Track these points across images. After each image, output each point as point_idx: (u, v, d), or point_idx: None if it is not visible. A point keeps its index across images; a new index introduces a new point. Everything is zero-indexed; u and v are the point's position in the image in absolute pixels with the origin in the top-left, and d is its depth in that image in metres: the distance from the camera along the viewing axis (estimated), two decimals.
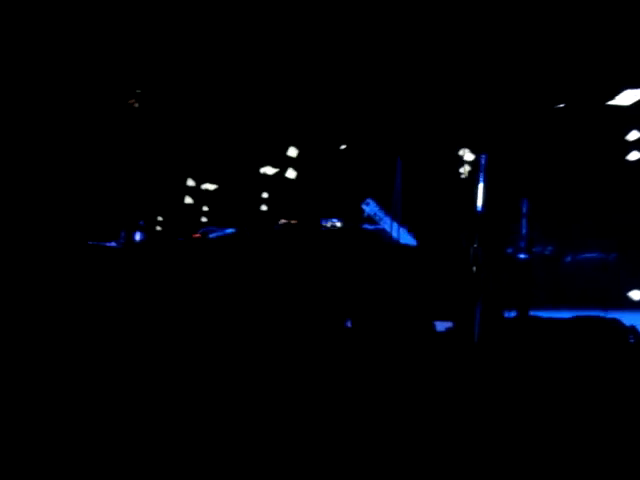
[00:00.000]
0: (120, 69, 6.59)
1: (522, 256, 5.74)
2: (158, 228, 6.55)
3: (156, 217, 6.60)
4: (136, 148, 6.66)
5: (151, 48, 6.43)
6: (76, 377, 4.89)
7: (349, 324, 5.98)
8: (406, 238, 6.10)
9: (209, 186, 6.45)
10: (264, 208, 6.39)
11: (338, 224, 6.22)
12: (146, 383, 4.77)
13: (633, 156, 5.65)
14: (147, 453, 3.23)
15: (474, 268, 5.76)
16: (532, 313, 5.70)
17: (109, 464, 3.11)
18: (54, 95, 6.52)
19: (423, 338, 5.81)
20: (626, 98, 5.56)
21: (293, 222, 6.35)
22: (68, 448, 3.26)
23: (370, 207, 6.17)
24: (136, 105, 6.37)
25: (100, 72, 6.54)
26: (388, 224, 6.12)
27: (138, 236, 6.53)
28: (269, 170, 6.29)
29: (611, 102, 5.56)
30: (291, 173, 6.36)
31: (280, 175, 6.43)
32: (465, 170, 5.58)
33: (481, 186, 5.77)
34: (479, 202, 5.77)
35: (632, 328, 5.35)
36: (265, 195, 6.41)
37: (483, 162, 5.49)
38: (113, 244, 6.47)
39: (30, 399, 4.07)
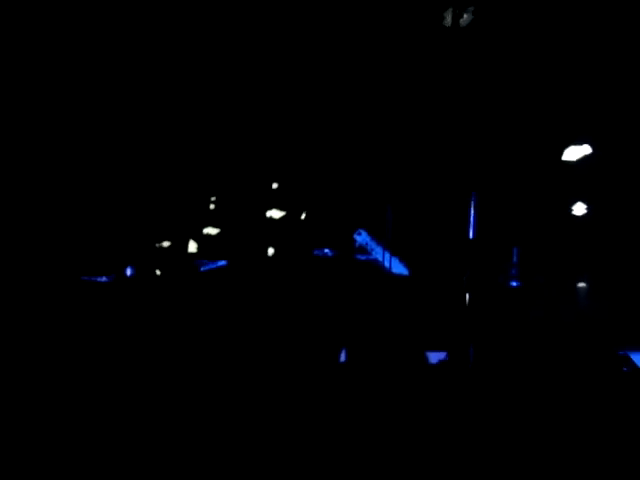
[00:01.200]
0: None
1: (514, 284, 5.74)
2: (150, 262, 6.52)
3: (148, 251, 6.57)
4: (128, 183, 6.65)
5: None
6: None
7: (343, 357, 5.97)
8: (398, 268, 6.09)
9: (209, 230, 6.44)
10: (256, 238, 6.37)
11: (330, 254, 6.20)
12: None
13: None
14: None
15: (467, 297, 5.76)
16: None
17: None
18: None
19: (416, 370, 5.80)
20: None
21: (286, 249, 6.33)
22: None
23: (362, 237, 6.16)
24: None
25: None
26: (380, 254, 6.11)
27: (129, 271, 6.50)
28: (276, 213, 6.30)
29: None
30: (276, 213, 6.36)
31: (272, 205, 6.42)
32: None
33: (472, 215, 5.78)
34: (471, 231, 5.77)
35: (625, 357, 5.34)
36: (257, 224, 6.40)
37: (473, 200, 5.52)
38: (104, 279, 6.44)
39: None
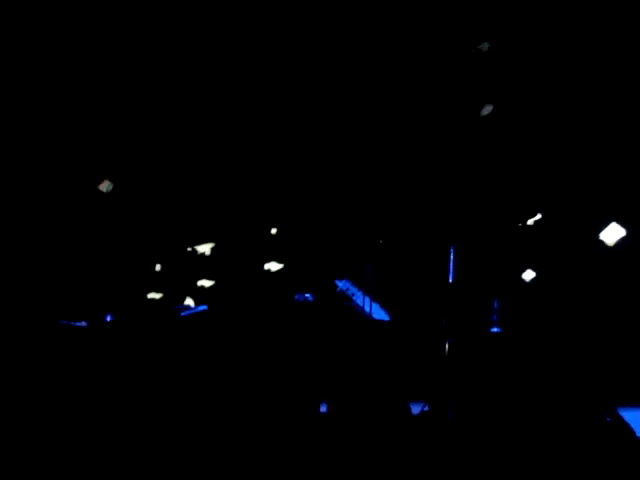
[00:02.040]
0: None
1: (495, 330, 5.69)
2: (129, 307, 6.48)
3: (128, 296, 6.53)
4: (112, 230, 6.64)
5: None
6: None
7: (324, 408, 5.88)
8: (379, 313, 6.05)
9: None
10: (237, 283, 6.34)
11: (311, 299, 6.16)
12: None
13: None
14: None
15: (446, 344, 5.70)
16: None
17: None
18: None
19: (399, 422, 5.71)
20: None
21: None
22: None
23: (343, 282, 6.13)
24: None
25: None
26: (361, 299, 6.07)
27: (109, 317, 6.46)
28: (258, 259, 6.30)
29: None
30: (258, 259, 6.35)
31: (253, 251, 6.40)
32: None
33: (452, 263, 5.77)
34: (450, 277, 5.75)
35: (609, 407, 5.26)
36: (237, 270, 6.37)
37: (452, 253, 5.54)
38: (83, 324, 6.38)
39: None
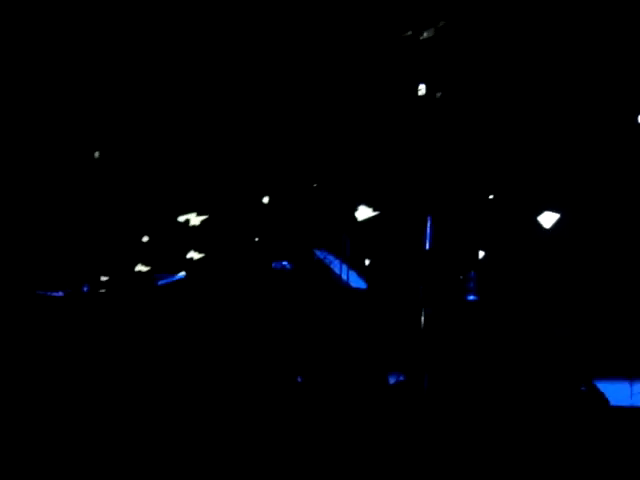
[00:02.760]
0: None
1: (471, 298, 5.67)
2: (104, 278, 6.43)
3: (106, 265, 6.48)
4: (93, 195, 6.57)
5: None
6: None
7: (299, 379, 5.88)
8: (357, 281, 6.02)
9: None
10: (215, 250, 6.29)
11: (288, 267, 6.13)
12: None
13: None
14: None
15: (422, 312, 5.68)
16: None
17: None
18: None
19: (376, 392, 5.71)
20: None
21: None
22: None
23: (321, 251, 6.09)
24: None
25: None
26: (338, 267, 6.04)
27: (85, 287, 6.41)
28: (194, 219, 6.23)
29: None
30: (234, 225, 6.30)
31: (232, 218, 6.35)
32: None
33: (429, 230, 5.73)
34: (427, 244, 5.71)
35: (584, 377, 5.28)
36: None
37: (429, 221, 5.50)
38: (60, 294, 6.34)
39: None
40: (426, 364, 5.54)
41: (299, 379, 5.95)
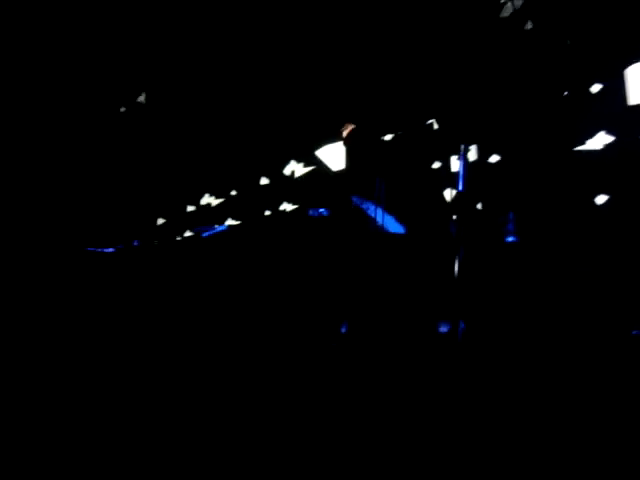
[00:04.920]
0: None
1: (510, 239, 5.29)
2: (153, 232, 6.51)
3: (153, 222, 6.57)
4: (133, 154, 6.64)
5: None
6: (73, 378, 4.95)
7: (344, 327, 5.74)
8: (395, 227, 5.77)
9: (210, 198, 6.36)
10: (253, 201, 6.22)
11: (326, 214, 5.96)
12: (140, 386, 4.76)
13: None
14: None
15: (459, 256, 5.37)
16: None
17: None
18: (51, 95, 6.58)
19: (423, 342, 5.49)
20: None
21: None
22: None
23: (357, 198, 5.87)
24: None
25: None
26: (376, 214, 5.80)
27: (135, 242, 6.52)
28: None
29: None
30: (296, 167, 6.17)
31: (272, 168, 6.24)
32: None
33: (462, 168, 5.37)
34: (460, 184, 5.37)
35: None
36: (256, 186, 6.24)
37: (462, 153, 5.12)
38: (111, 250, 6.48)
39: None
40: (460, 311, 5.25)
41: (343, 329, 5.81)
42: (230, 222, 6.29)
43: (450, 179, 5.40)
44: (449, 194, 5.42)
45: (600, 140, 5.16)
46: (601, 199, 5.23)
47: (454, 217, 5.43)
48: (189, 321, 6.12)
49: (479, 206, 5.36)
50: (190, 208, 6.42)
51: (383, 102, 5.75)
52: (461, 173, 5.39)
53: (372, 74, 5.79)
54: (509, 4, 5.48)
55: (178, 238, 6.41)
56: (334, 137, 5.76)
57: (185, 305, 6.19)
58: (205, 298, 6.16)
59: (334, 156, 5.75)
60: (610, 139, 5.10)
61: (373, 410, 4.61)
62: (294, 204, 6.06)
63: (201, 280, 6.23)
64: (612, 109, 5.10)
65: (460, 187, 5.38)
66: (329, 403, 5.05)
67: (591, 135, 5.25)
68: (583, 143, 5.25)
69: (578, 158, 5.16)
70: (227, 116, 6.39)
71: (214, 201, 6.25)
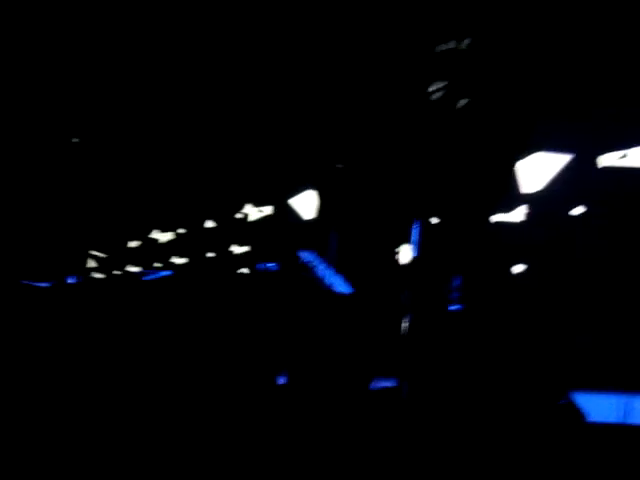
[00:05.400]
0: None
1: (454, 307, 5.61)
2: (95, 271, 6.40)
3: (91, 257, 6.46)
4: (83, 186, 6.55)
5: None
6: None
7: (282, 379, 5.83)
8: (341, 286, 5.97)
9: (159, 235, 6.34)
10: (200, 249, 6.26)
11: (273, 268, 6.08)
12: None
13: None
14: None
15: (406, 320, 5.63)
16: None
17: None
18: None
19: (359, 397, 5.66)
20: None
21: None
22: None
23: (306, 254, 6.04)
24: None
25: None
26: (323, 271, 5.99)
27: (70, 278, 6.39)
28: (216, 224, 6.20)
29: None
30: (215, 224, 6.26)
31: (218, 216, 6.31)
32: None
33: (415, 238, 5.68)
34: (412, 252, 5.66)
35: (562, 390, 5.20)
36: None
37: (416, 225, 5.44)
38: (45, 284, 6.32)
39: None
40: (406, 371, 5.48)
41: (281, 380, 5.90)
42: (175, 260, 6.29)
43: (403, 243, 5.70)
44: (401, 256, 5.71)
45: (519, 212, 5.61)
46: (518, 268, 5.65)
47: (404, 282, 5.71)
48: (120, 365, 6.03)
49: (427, 272, 5.66)
50: (133, 244, 6.37)
51: (349, 155, 6.01)
52: (415, 239, 5.70)
53: (338, 135, 6.06)
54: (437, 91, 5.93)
55: (118, 273, 6.33)
56: (304, 184, 5.95)
57: (116, 348, 6.10)
58: (141, 342, 6.10)
59: (305, 204, 5.93)
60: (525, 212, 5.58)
61: (307, 464, 4.73)
62: (245, 249, 6.16)
63: (137, 323, 6.17)
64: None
65: (414, 253, 5.68)
66: (263, 455, 5.13)
67: (510, 208, 5.69)
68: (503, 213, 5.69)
69: (499, 229, 5.60)
70: (189, 146, 6.44)
71: (161, 237, 6.25)
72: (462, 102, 5.87)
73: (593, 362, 5.38)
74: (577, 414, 5.09)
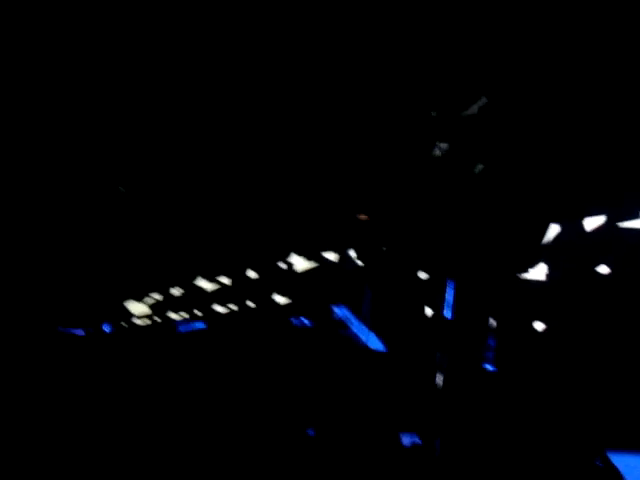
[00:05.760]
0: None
1: (489, 368, 5.66)
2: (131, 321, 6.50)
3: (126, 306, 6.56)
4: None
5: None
6: None
7: (312, 432, 5.86)
8: (375, 343, 6.03)
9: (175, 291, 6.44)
10: (236, 301, 6.35)
11: (308, 324, 6.16)
12: None
13: None
14: None
15: (439, 378, 5.68)
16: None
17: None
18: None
19: (388, 452, 5.69)
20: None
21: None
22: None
23: (340, 309, 6.13)
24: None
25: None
26: (358, 328, 6.06)
27: (107, 327, 6.48)
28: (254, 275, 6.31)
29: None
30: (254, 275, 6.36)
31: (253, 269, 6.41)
32: None
33: (450, 297, 5.76)
34: (448, 311, 5.74)
35: (601, 452, 5.20)
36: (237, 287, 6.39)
37: (451, 283, 5.53)
38: (80, 332, 6.41)
39: None
40: (439, 430, 5.51)
41: (311, 433, 5.93)
42: (217, 308, 6.36)
43: (438, 303, 5.78)
44: (434, 317, 5.79)
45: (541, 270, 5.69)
46: (539, 326, 5.71)
47: (438, 340, 5.78)
48: (155, 418, 6.08)
49: (461, 333, 5.73)
50: (175, 291, 6.47)
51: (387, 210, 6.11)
52: (450, 301, 5.78)
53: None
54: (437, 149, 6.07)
55: (156, 320, 6.41)
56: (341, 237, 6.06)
57: (150, 400, 6.15)
58: (175, 396, 6.15)
59: (338, 259, 6.04)
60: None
61: None
62: (279, 311, 6.24)
63: (172, 375, 6.24)
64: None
65: (449, 315, 5.76)
66: None
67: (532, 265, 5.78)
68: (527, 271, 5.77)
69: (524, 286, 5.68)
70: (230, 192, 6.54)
71: (207, 285, 6.34)
72: (483, 164, 6.00)
73: (633, 421, 5.40)
74: (615, 476, 5.09)
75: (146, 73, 6.31)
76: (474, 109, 6.00)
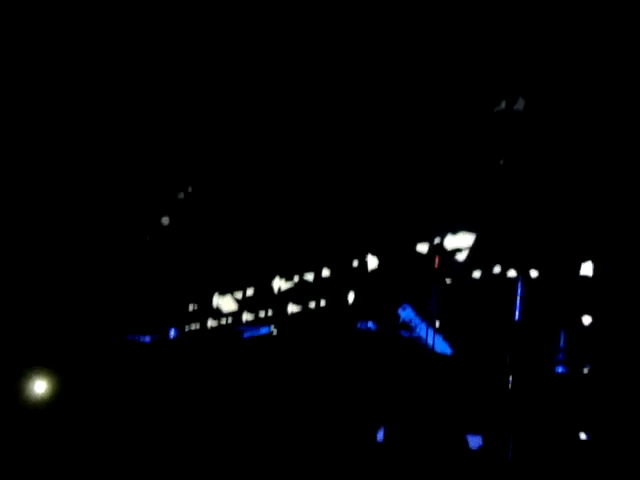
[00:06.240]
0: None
1: (560, 369, 5.62)
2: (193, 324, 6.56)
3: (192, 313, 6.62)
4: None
5: None
6: None
7: (381, 436, 5.87)
8: (441, 346, 6.02)
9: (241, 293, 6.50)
10: (296, 309, 6.38)
11: (373, 328, 6.17)
12: None
13: None
14: None
15: (510, 380, 5.65)
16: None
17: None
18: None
19: (455, 454, 5.67)
20: None
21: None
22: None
23: (406, 312, 6.12)
24: None
25: None
26: (424, 331, 6.05)
27: (172, 332, 6.54)
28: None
29: None
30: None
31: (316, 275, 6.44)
32: None
33: (519, 297, 5.73)
34: (517, 313, 5.71)
35: None
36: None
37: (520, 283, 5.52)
38: (147, 339, 6.47)
39: None
40: (511, 431, 5.49)
41: (380, 437, 5.94)
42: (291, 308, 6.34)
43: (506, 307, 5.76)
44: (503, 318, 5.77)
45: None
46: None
47: (509, 342, 5.75)
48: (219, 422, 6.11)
49: (532, 335, 5.70)
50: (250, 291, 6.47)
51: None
52: (518, 304, 5.75)
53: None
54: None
55: (221, 323, 6.43)
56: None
57: (218, 403, 6.20)
58: (241, 399, 6.19)
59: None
60: None
61: None
62: (346, 315, 6.25)
63: (238, 379, 6.27)
64: None
65: (517, 317, 5.74)
66: None
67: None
68: None
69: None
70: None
71: (284, 284, 6.36)
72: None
73: None
74: None
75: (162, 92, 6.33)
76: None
